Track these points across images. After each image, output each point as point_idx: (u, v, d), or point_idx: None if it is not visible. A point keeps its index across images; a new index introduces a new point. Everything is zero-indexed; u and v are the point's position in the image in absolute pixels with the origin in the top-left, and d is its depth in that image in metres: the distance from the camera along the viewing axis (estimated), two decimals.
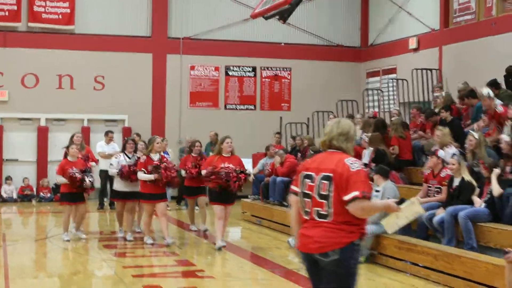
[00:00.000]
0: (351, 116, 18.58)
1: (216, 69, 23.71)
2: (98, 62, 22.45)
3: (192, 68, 23.50)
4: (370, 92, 22.09)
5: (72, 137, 14.56)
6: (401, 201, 6.02)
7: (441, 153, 12.41)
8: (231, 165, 12.45)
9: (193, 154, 14.61)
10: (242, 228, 16.33)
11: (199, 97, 23.53)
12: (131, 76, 22.67)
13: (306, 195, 5.63)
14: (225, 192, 12.46)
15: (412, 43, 21.48)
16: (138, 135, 19.02)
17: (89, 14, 22.51)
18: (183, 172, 14.59)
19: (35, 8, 22.11)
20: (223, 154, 12.62)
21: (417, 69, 19.87)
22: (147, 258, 12.16)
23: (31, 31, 22.22)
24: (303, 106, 23.03)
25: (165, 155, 13.87)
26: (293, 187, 5.87)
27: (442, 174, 11.71)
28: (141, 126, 21.82)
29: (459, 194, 10.96)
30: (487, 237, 10.27)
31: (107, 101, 22.37)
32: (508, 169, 10.79)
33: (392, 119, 16.12)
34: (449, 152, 12.58)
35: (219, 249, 12.53)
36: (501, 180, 10.50)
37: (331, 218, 5.47)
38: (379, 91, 21.73)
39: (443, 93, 15.91)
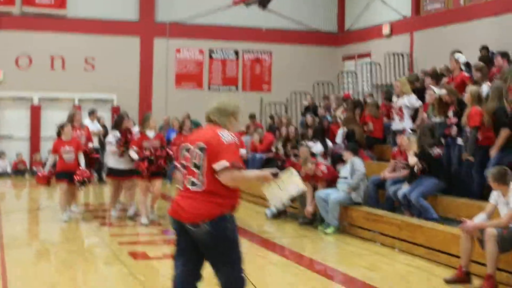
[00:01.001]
0: (326, 97, 18.81)
1: (201, 52, 23.88)
2: (88, 44, 22.56)
3: (178, 51, 23.66)
4: (345, 74, 22.34)
5: (72, 115, 13.94)
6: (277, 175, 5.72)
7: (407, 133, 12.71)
8: None
9: (184, 133, 13.71)
10: None
11: (184, 78, 23.72)
12: (120, 58, 22.80)
13: (183, 167, 5.56)
14: None
15: (386, 29, 21.73)
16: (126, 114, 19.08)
17: None
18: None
19: None
20: None
21: (389, 54, 20.12)
22: (133, 227, 12.36)
23: (25, 14, 22.27)
24: (282, 87, 23.28)
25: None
26: (177, 163, 5.78)
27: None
28: (130, 105, 21.99)
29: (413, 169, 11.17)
30: (446, 209, 10.58)
31: (97, 81, 22.51)
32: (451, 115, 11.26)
33: (368, 100, 16.45)
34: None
35: None
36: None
37: (203, 187, 5.38)
38: (354, 74, 21.97)
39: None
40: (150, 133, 12.51)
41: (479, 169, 10.27)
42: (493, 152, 10.02)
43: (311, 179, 12.47)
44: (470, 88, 10.89)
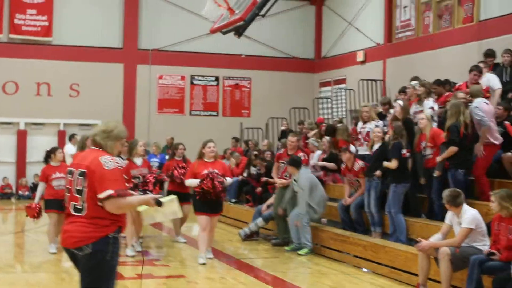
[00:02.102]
0: (301, 122, 19.07)
1: (182, 78, 24.20)
2: (73, 71, 22.79)
3: (160, 77, 23.97)
4: (321, 100, 22.70)
5: (85, 140, 11.61)
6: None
7: (352, 148, 12.89)
8: (215, 170, 10.78)
9: (176, 158, 12.95)
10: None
11: (166, 104, 24.01)
12: (104, 84, 23.05)
13: (67, 190, 5.48)
14: (210, 200, 10.81)
15: (360, 56, 22.13)
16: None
17: (65, 27, 22.84)
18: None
19: (16, 21, 22.40)
20: (205, 159, 10.98)
21: (363, 80, 20.48)
22: None
23: (12, 42, 22.51)
24: (261, 113, 23.59)
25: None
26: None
27: (356, 168, 12.18)
28: None
29: (379, 155, 11.38)
30: (410, 230, 10.87)
31: (82, 107, 22.70)
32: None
33: (339, 125, 16.69)
34: (377, 124, 13.15)
35: (203, 263, 10.94)
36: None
37: (85, 213, 5.31)
38: (329, 100, 22.32)
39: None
40: (138, 161, 11.91)
41: (439, 190, 10.53)
42: (438, 158, 10.45)
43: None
44: (425, 114, 11.21)
